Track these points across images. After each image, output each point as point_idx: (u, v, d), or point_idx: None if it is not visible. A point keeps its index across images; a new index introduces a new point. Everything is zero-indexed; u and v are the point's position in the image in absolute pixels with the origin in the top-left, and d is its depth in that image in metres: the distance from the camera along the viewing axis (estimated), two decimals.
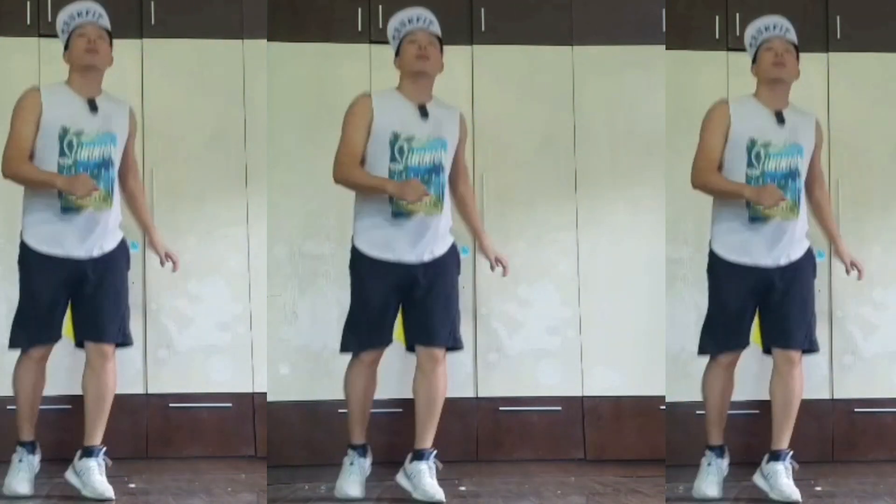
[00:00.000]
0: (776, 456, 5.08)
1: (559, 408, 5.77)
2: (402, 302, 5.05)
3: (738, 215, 5.02)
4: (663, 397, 5.57)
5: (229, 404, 5.72)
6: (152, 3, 5.70)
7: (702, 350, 5.18)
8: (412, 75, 5.01)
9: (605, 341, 5.78)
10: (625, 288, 5.78)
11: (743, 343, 5.14)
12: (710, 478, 5.16)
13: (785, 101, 5.06)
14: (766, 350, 5.17)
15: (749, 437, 5.52)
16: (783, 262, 5.04)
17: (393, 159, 4.96)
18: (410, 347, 5.13)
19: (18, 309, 5.01)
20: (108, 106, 4.97)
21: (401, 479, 5.09)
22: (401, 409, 5.57)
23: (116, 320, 5.01)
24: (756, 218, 5.00)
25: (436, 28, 5.04)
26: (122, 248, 5.04)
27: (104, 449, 5.02)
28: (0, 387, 5.43)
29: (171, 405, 5.70)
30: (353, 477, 5.12)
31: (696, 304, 5.62)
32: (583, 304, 5.80)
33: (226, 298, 5.75)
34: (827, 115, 5.69)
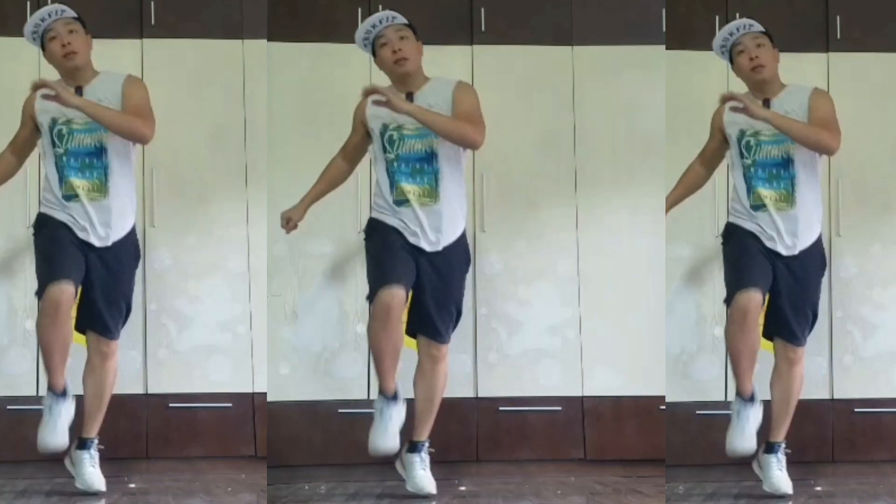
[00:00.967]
0: (770, 448, 5.13)
1: (559, 408, 5.77)
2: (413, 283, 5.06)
3: (742, 203, 5.09)
4: (663, 397, 5.57)
5: (229, 404, 5.72)
6: (152, 3, 5.70)
7: (726, 299, 5.08)
8: (395, 76, 5.10)
9: (605, 341, 5.78)
10: (625, 288, 5.78)
11: (757, 281, 4.99)
12: (738, 430, 5.08)
13: (775, 87, 5.10)
14: (768, 336, 5.14)
15: None
16: (784, 252, 5.04)
17: (385, 150, 5.05)
18: (412, 333, 5.13)
19: (36, 265, 4.98)
20: (97, 89, 4.98)
21: (398, 466, 5.18)
22: None
23: (118, 315, 5.02)
24: (757, 206, 5.05)
25: (400, 19, 5.10)
26: (129, 240, 5.03)
27: (96, 441, 5.04)
28: (0, 387, 5.44)
29: (170, 405, 5.70)
30: (385, 426, 5.06)
31: (696, 304, 5.62)
32: (583, 304, 5.80)
33: (226, 298, 5.75)
34: None
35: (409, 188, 5.02)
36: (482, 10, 5.78)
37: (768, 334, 5.15)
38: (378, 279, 5.00)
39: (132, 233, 5.06)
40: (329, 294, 5.70)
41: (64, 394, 4.99)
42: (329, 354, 5.62)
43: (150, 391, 5.70)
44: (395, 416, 5.07)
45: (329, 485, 5.29)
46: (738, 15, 5.61)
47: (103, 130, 4.95)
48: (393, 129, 5.04)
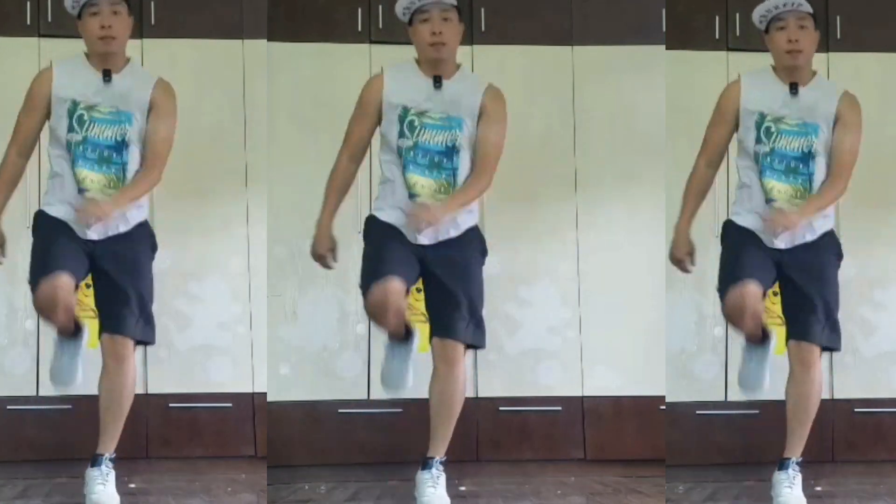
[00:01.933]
0: (782, 464, 4.72)
1: (559, 408, 5.77)
2: (421, 279, 4.69)
3: (752, 197, 4.72)
4: (663, 397, 5.57)
5: (229, 404, 5.72)
6: (152, 3, 5.70)
7: (721, 294, 4.71)
8: (426, 57, 4.68)
9: (605, 341, 5.78)
10: (625, 288, 5.78)
11: (753, 273, 4.60)
12: (749, 366, 4.74)
13: (806, 75, 4.72)
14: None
15: (749, 437, 5.52)
16: (783, 246, 4.68)
17: (402, 135, 4.65)
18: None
19: (30, 265, 4.64)
20: (128, 80, 4.64)
21: (417, 479, 4.77)
22: (401, 410, 5.57)
23: (126, 307, 4.63)
24: (768, 200, 4.70)
25: None
26: (141, 231, 4.71)
27: (106, 456, 4.66)
28: (0, 387, 5.44)
29: (171, 405, 5.70)
30: (394, 363, 4.74)
31: (696, 304, 5.62)
32: (583, 305, 5.80)
33: (226, 298, 5.75)
34: None
35: (424, 182, 4.65)
36: (482, 9, 5.78)
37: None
38: (370, 275, 4.62)
39: (145, 224, 4.73)
40: (329, 294, 5.70)
41: (75, 334, 4.63)
42: (329, 354, 5.62)
43: (150, 391, 5.70)
44: (405, 352, 4.70)
45: (329, 485, 5.29)
46: (737, 15, 5.62)
47: (128, 123, 4.60)
48: (415, 113, 4.63)
